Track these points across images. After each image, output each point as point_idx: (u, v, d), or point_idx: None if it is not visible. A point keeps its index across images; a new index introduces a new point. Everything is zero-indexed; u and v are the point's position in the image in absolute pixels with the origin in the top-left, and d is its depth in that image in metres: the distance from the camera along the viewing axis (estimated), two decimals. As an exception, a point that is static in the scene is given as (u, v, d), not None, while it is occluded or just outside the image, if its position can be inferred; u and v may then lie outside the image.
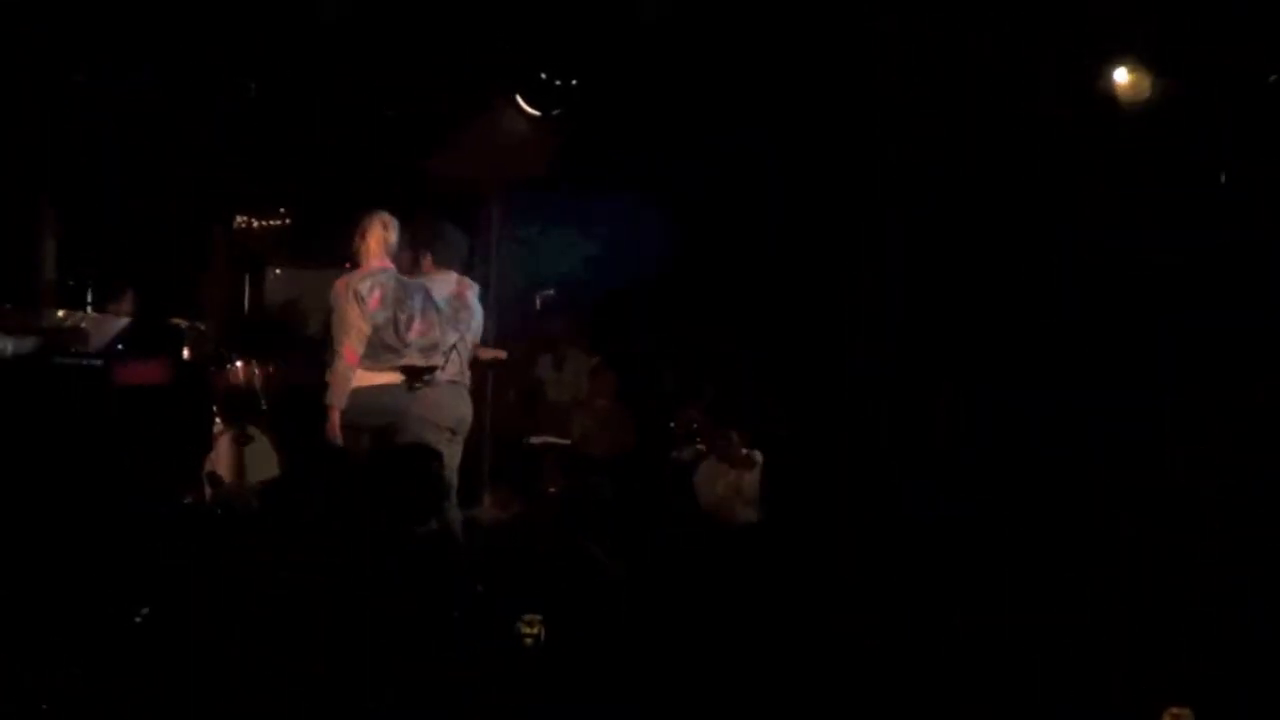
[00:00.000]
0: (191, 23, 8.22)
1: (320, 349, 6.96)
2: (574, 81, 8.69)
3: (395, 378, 6.68)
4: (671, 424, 9.38)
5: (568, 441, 9.32)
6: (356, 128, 9.10)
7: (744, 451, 8.31)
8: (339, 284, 6.68)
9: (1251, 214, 5.81)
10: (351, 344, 6.57)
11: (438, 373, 6.84)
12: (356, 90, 8.81)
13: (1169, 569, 4.99)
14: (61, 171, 9.00)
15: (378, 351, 6.60)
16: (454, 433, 6.88)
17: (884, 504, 6.37)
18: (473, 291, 7.17)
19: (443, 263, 7.04)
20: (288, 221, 10.87)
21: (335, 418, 6.56)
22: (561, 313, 10.34)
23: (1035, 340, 6.44)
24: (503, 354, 8.12)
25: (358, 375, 6.61)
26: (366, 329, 6.55)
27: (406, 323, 6.67)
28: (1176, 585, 4.85)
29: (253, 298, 10.91)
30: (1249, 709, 4.16)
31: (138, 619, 5.35)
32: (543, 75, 8.67)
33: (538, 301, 10.38)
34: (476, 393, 8.48)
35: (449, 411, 6.89)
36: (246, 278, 10.88)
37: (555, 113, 8.68)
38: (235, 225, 10.77)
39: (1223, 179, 5.86)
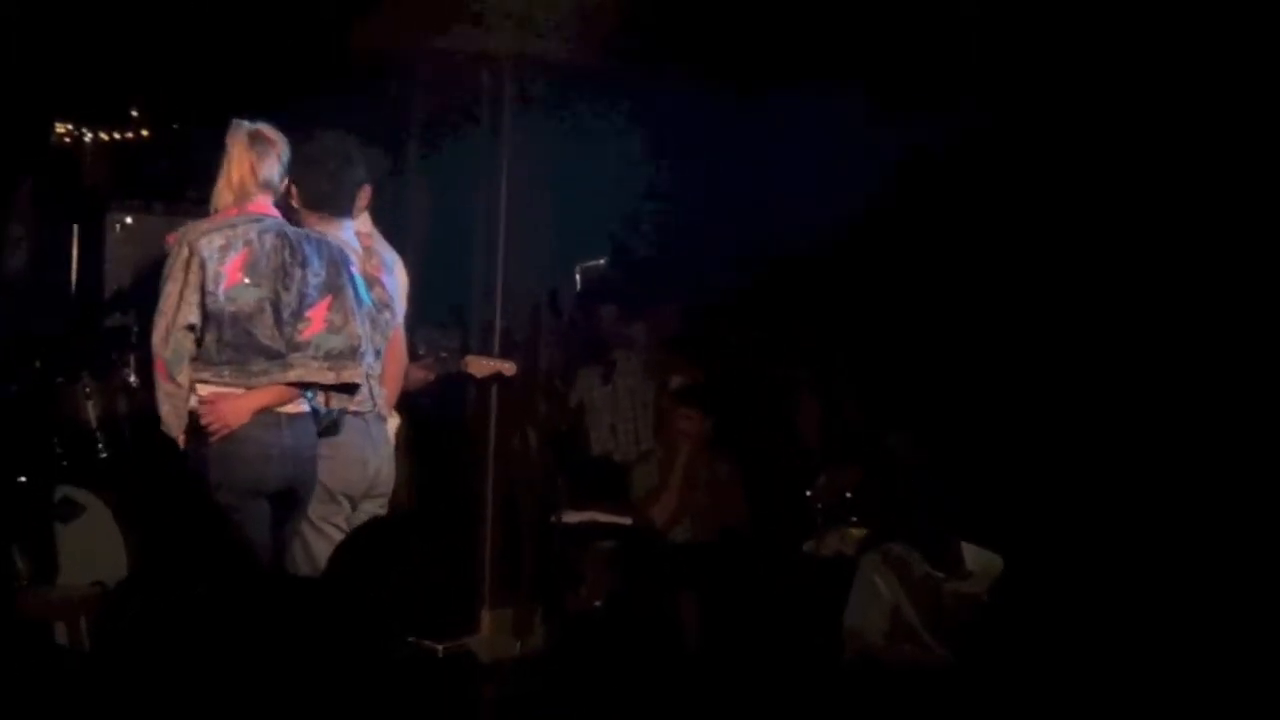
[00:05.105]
0: None
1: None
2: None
3: (283, 402, 6.27)
4: (809, 492, 8.79)
5: (627, 520, 8.70)
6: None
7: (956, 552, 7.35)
8: (170, 240, 6.17)
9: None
10: (158, 343, 6.08)
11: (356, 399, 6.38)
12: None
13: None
14: None
15: (247, 357, 6.15)
16: (355, 503, 6.50)
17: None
18: (386, 261, 6.73)
19: (318, 204, 6.47)
20: (145, 133, 10.35)
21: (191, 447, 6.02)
22: (620, 297, 9.86)
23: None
24: (509, 365, 7.82)
25: (225, 402, 6.18)
26: (191, 315, 6.06)
27: (296, 308, 6.24)
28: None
29: (84, 263, 10.15)
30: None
31: None
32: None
33: (578, 277, 10.07)
34: (471, 433, 8.09)
35: (357, 468, 6.48)
36: (74, 230, 10.16)
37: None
38: (55, 140, 10.20)
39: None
